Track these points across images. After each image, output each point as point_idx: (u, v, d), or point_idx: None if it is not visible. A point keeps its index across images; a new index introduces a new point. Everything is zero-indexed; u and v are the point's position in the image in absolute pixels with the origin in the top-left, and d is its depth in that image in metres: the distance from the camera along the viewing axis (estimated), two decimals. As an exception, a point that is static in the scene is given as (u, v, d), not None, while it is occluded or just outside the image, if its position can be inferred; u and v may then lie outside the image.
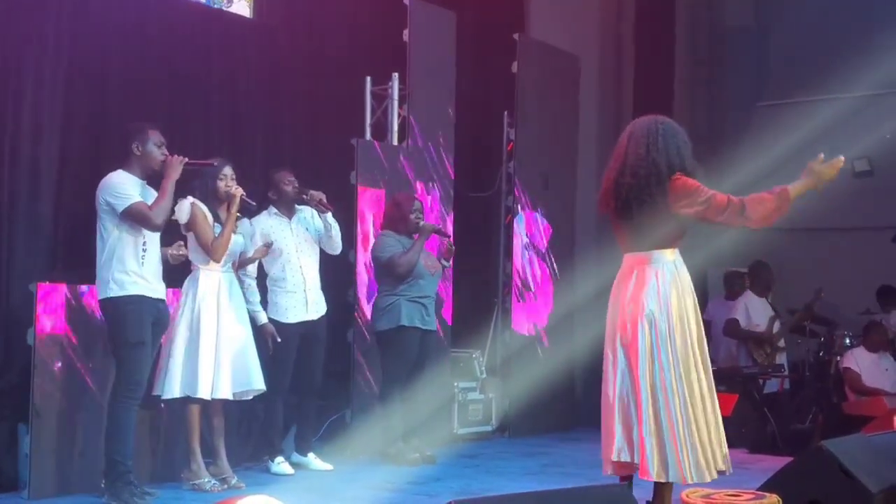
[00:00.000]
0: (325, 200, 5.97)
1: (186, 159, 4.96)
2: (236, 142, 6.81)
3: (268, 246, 5.76)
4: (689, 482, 3.82)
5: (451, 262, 6.55)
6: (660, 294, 4.01)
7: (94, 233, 4.97)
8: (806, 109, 10.08)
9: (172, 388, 5.23)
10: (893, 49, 9.28)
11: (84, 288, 5.22)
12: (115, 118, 5.97)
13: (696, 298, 4.10)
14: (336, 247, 6.16)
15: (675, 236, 4.12)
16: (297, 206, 6.04)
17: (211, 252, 5.33)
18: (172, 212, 5.04)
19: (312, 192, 5.98)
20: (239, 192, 5.41)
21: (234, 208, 5.40)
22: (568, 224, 8.80)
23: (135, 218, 4.83)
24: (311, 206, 6.01)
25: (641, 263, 4.08)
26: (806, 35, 10.82)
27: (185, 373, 5.24)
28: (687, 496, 3.31)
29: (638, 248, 4.11)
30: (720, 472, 3.92)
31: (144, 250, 4.90)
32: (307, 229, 6.05)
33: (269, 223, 5.97)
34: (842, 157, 3.93)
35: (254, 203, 5.53)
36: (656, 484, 3.88)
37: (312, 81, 7.27)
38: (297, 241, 6.00)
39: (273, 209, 6.03)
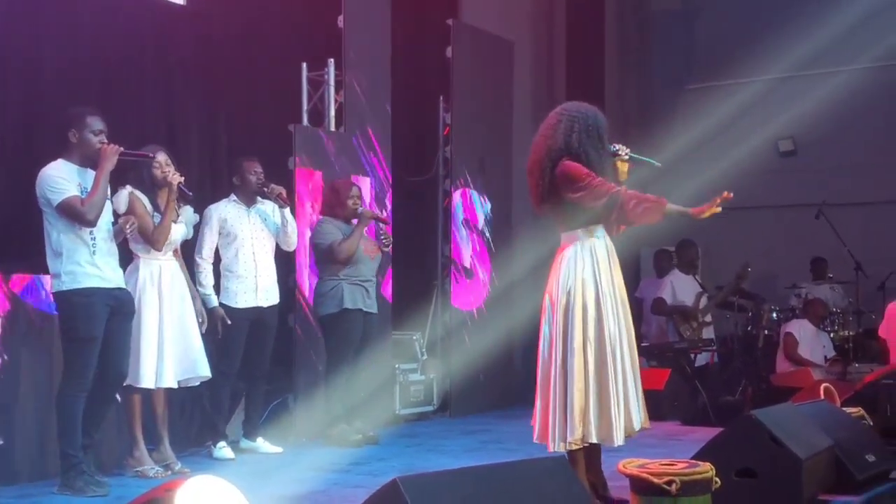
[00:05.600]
0: (284, 195, 6.03)
1: (121, 149, 4.88)
2: (172, 129, 6.77)
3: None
4: (554, 450, 4.03)
5: (390, 247, 6.63)
6: (558, 274, 4.16)
7: (29, 221, 4.91)
8: (732, 91, 10.35)
9: (115, 376, 5.21)
10: (814, 30, 9.54)
11: (21, 277, 5.15)
12: (47, 106, 5.86)
13: (606, 276, 4.14)
14: (292, 243, 6.21)
15: (585, 218, 4.20)
16: (259, 197, 6.07)
17: (152, 242, 5.31)
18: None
19: (273, 185, 6.02)
20: (177, 179, 5.37)
21: (173, 196, 5.38)
22: (505, 206, 8.93)
23: (67, 213, 4.75)
24: (271, 200, 6.04)
25: (561, 243, 4.26)
26: (730, 18, 11.08)
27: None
28: (624, 466, 3.43)
29: (560, 230, 4.28)
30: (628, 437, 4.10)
31: (94, 238, 4.83)
32: (265, 220, 6.08)
33: (227, 209, 6.00)
34: (728, 195, 4.05)
35: (190, 193, 5.50)
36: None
37: (248, 68, 7.25)
38: (252, 229, 6.02)
39: (234, 196, 6.05)
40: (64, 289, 4.80)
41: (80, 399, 4.84)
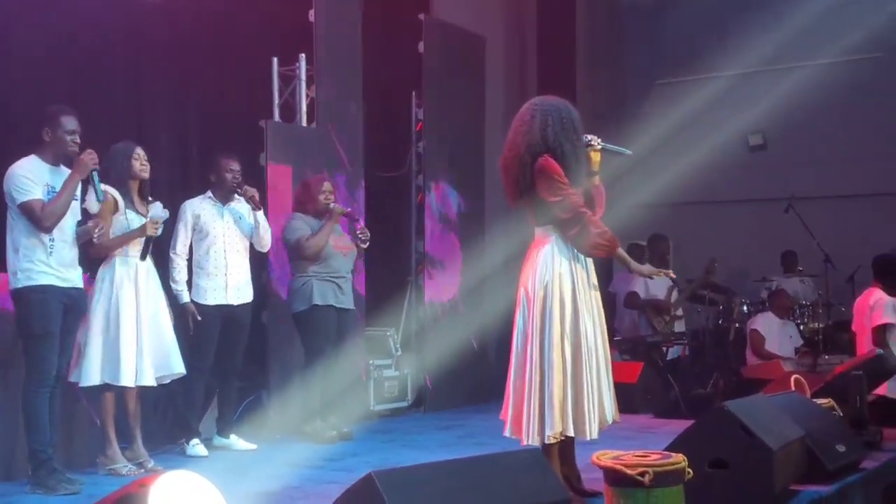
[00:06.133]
0: (257, 198, 6.02)
1: (96, 161, 4.85)
2: (142, 124, 6.73)
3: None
4: (528, 444, 4.02)
5: (367, 243, 6.57)
6: (534, 268, 4.17)
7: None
8: (702, 86, 10.42)
9: (90, 375, 5.17)
10: (781, 25, 9.62)
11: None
12: (18, 103, 5.84)
13: (581, 271, 4.17)
14: (265, 244, 6.20)
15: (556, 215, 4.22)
16: (235, 195, 6.05)
17: (98, 249, 5.22)
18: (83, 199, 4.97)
19: (247, 186, 6.01)
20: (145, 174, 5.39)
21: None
22: (478, 201, 8.94)
23: (26, 215, 4.75)
24: (245, 200, 6.02)
25: (536, 238, 4.28)
26: (700, 13, 11.14)
27: (106, 360, 5.19)
28: (598, 458, 3.44)
29: (535, 224, 4.29)
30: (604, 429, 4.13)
31: (52, 240, 4.82)
32: (240, 219, 6.06)
33: (202, 206, 5.99)
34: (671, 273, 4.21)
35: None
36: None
37: (218, 63, 7.21)
38: (225, 227, 6.01)
39: (210, 193, 6.03)
40: (19, 286, 4.80)
41: (42, 395, 4.81)
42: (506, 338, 4.38)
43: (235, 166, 6.05)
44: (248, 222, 6.09)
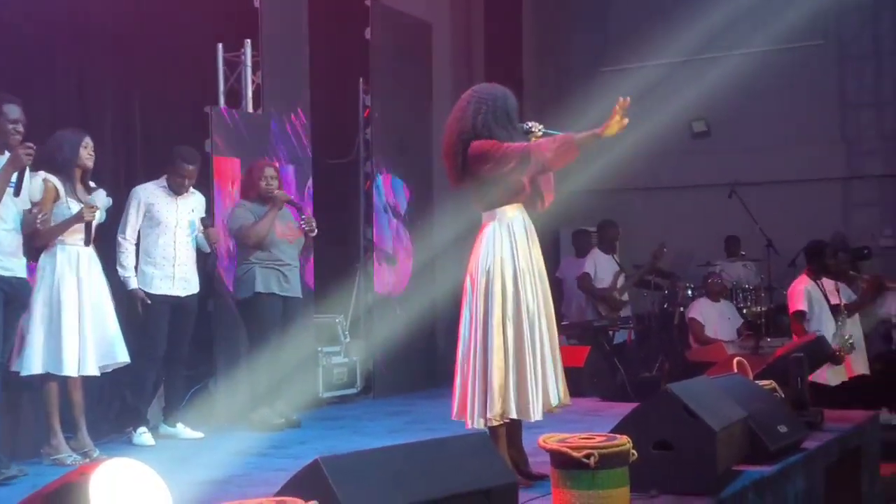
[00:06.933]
0: (209, 230, 6.02)
1: (32, 151, 4.76)
2: (86, 111, 6.61)
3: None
4: (472, 427, 4.07)
5: (314, 232, 6.54)
6: (477, 253, 4.21)
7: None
8: (646, 73, 10.50)
9: (32, 364, 5.11)
10: (722, 12, 9.73)
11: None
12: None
13: (524, 254, 4.17)
14: (206, 248, 6.17)
15: (502, 197, 4.23)
16: (192, 189, 6.01)
17: (38, 237, 5.16)
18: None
19: (211, 230, 6.03)
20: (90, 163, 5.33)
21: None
22: (426, 188, 8.94)
23: None
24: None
25: (482, 223, 4.29)
26: (644, 1, 11.24)
27: (48, 349, 5.13)
28: (544, 441, 3.47)
29: (479, 210, 4.31)
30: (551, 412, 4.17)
31: None
32: (193, 210, 6.00)
33: (155, 194, 5.92)
34: (625, 101, 4.05)
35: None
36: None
37: (163, 48, 7.10)
38: (178, 218, 5.95)
39: (164, 181, 5.97)
40: None
41: None
42: (454, 324, 4.39)
43: (191, 168, 5.97)
44: (199, 215, 6.03)
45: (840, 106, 10.79)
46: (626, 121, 3.97)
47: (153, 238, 5.90)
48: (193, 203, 6.07)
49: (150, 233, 5.90)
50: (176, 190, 5.97)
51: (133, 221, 5.85)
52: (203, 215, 6.13)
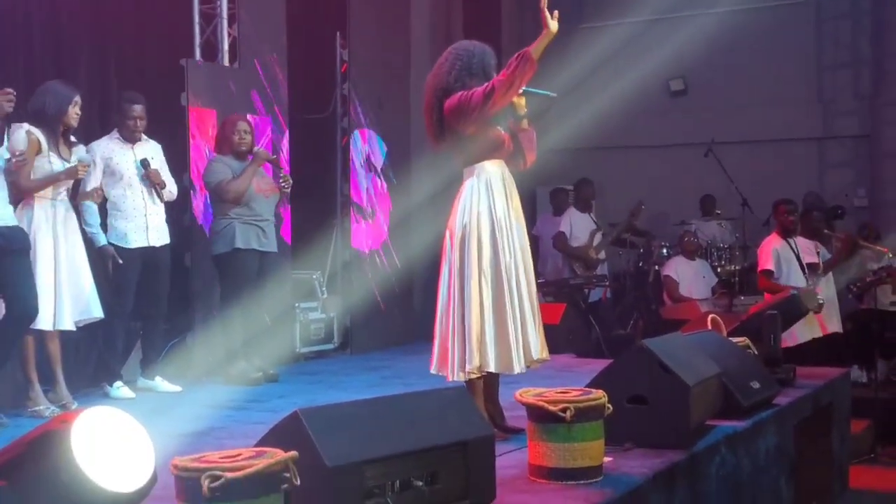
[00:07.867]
0: (161, 182, 5.89)
1: (13, 97, 4.68)
2: (59, 66, 6.52)
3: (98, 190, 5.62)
4: (453, 380, 4.11)
5: (290, 188, 6.52)
6: (456, 209, 4.23)
7: None
8: (624, 31, 10.49)
9: (7, 317, 5.09)
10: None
11: None
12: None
13: (502, 208, 4.18)
14: (168, 199, 6.07)
15: (480, 152, 4.24)
16: (143, 136, 5.92)
17: (23, 189, 5.13)
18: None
19: (152, 169, 5.86)
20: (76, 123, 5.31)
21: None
22: (404, 143, 8.91)
23: None
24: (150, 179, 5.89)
25: (463, 179, 4.30)
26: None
27: None
28: (520, 395, 3.51)
29: (460, 166, 4.32)
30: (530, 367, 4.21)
31: None
32: (153, 158, 5.94)
33: (109, 147, 5.84)
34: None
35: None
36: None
37: (138, 1, 7.02)
38: (137, 166, 5.88)
39: (115, 133, 5.89)
40: None
41: None
42: (431, 280, 4.42)
43: (137, 111, 5.84)
44: (159, 163, 5.97)
45: (816, 66, 10.82)
46: (556, 13, 4.07)
47: (120, 191, 5.82)
48: (149, 150, 5.96)
49: (115, 186, 5.82)
50: (129, 137, 5.86)
51: (93, 178, 5.75)
52: (160, 163, 6.01)
